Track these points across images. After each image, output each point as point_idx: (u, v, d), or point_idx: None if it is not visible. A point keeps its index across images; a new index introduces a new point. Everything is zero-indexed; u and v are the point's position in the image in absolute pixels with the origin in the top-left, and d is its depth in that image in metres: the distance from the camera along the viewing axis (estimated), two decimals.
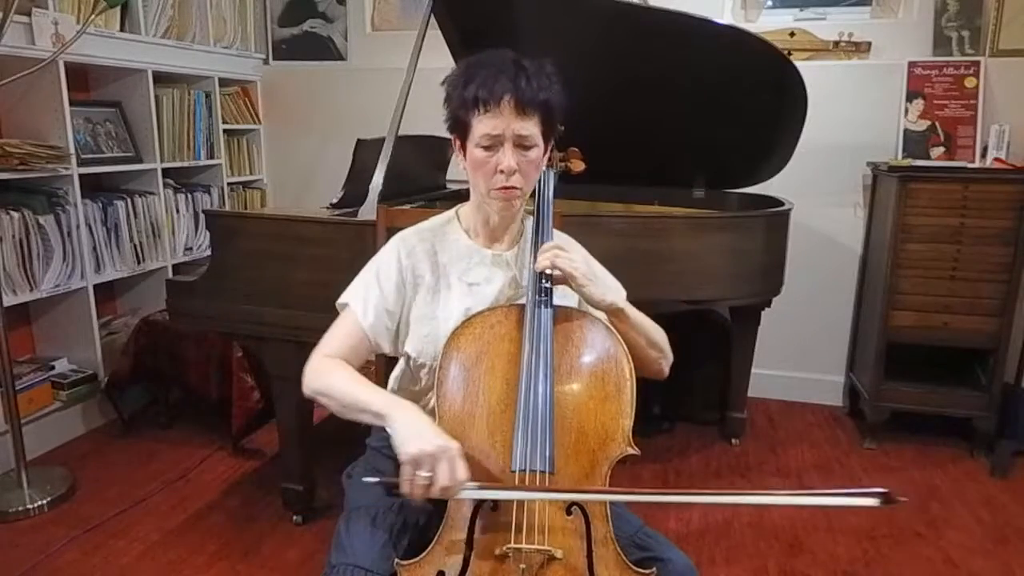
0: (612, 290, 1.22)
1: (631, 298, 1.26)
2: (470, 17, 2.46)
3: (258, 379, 2.55)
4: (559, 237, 1.31)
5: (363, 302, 1.25)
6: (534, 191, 1.30)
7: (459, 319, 1.22)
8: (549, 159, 1.32)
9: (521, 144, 1.16)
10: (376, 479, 1.03)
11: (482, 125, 1.15)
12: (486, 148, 1.16)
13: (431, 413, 1.23)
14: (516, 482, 1.05)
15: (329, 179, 3.19)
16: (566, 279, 1.17)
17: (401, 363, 1.33)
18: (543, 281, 1.18)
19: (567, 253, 1.18)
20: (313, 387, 1.17)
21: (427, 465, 1.00)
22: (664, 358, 1.29)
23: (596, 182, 1.80)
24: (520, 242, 1.31)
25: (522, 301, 1.23)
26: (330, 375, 1.17)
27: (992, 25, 2.79)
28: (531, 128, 1.16)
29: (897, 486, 2.52)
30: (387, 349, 1.28)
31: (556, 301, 1.19)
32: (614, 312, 1.21)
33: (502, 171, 1.16)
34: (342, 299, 1.27)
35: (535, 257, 1.21)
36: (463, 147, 1.21)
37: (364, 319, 1.23)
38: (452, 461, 1.01)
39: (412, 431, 1.03)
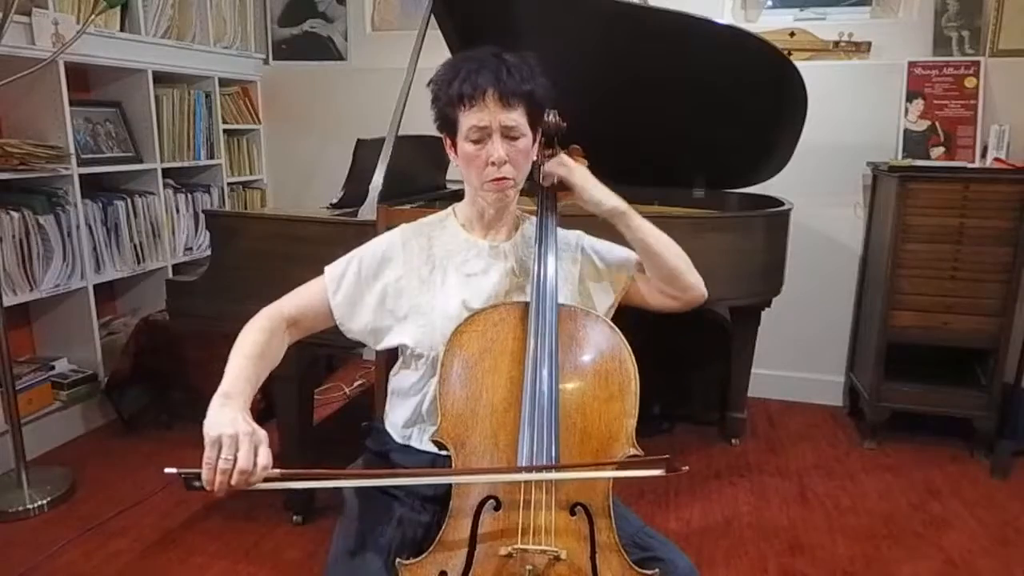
0: (614, 195, 1.26)
1: None
2: (470, 17, 2.46)
3: None
4: (563, 235, 1.31)
5: (337, 281, 1.28)
6: (534, 188, 1.30)
7: (457, 309, 1.23)
8: (552, 156, 1.32)
9: (509, 135, 1.18)
10: (175, 470, 0.97)
11: (468, 119, 1.17)
12: (475, 142, 1.18)
13: (431, 403, 1.24)
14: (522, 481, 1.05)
15: (329, 179, 3.19)
16: (567, 179, 1.26)
17: (401, 356, 1.34)
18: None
19: (567, 160, 1.27)
20: (241, 331, 1.20)
21: (229, 447, 0.96)
22: (694, 273, 1.32)
23: None
24: (516, 234, 1.32)
25: (523, 297, 1.24)
26: (244, 337, 1.18)
27: (992, 25, 2.79)
28: (517, 118, 1.17)
29: (897, 486, 2.52)
30: (360, 337, 1.30)
31: (560, 300, 1.19)
32: (618, 217, 1.26)
33: (493, 163, 1.18)
34: (327, 268, 1.30)
35: (539, 255, 1.22)
36: (454, 144, 1.23)
37: (333, 297, 1.27)
38: (255, 445, 0.97)
39: (222, 418, 1.00)
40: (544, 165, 1.28)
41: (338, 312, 1.28)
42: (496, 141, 1.17)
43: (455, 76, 1.17)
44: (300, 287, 1.31)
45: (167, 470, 0.97)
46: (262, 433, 1.00)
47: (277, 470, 0.99)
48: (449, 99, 1.18)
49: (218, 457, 0.96)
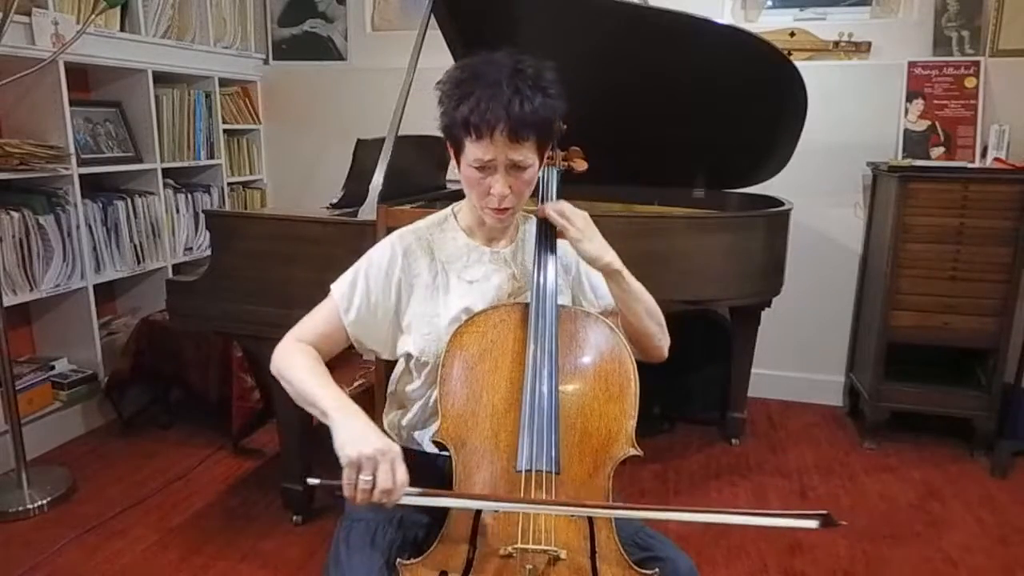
0: (610, 252, 1.22)
1: None
2: (470, 17, 2.46)
3: (258, 379, 2.55)
4: (562, 243, 1.30)
5: (347, 299, 1.24)
6: (537, 190, 1.30)
7: (459, 316, 1.22)
8: (551, 158, 1.32)
9: (515, 166, 1.14)
10: (318, 481, 1.01)
11: (474, 149, 1.12)
12: (479, 168, 1.14)
13: (433, 409, 1.23)
14: (522, 483, 1.05)
15: (329, 179, 3.19)
16: (564, 233, 1.21)
17: (401, 362, 1.33)
18: (546, 236, 1.23)
19: (569, 210, 1.21)
20: (277, 368, 1.18)
21: (367, 468, 0.98)
22: (663, 335, 1.29)
23: (596, 182, 1.80)
24: (517, 239, 1.31)
25: (523, 299, 1.23)
26: (293, 361, 1.17)
27: (992, 25, 2.79)
28: (525, 153, 1.13)
29: (897, 486, 2.52)
30: (377, 349, 1.28)
31: (559, 301, 1.19)
32: (610, 275, 1.22)
33: (493, 194, 1.16)
34: (333, 286, 1.27)
35: (539, 258, 1.22)
36: (456, 157, 1.19)
37: (346, 316, 1.23)
38: (392, 463, 0.99)
39: (353, 434, 1.02)
40: (544, 206, 1.24)
41: (352, 331, 1.25)
42: (500, 176, 1.13)
43: (464, 98, 1.10)
44: (311, 314, 1.26)
45: (311, 481, 1.02)
46: (397, 449, 1.01)
47: (416, 488, 1.01)
48: (454, 121, 1.12)
49: (358, 477, 0.98)
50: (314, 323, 1.25)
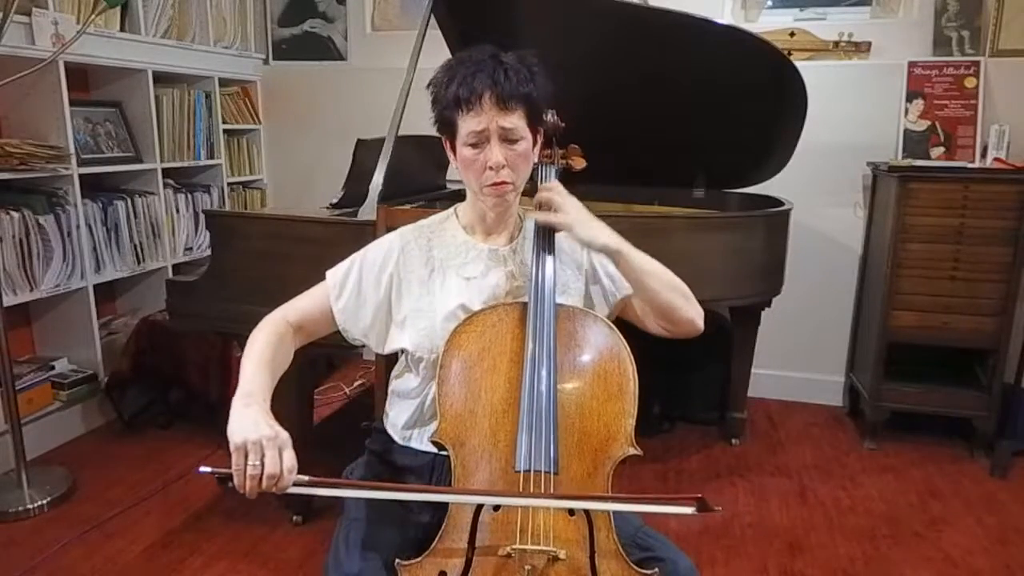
0: (606, 233, 1.22)
1: None
2: (470, 17, 2.46)
3: None
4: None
5: (339, 286, 1.28)
6: (536, 188, 1.30)
7: (455, 312, 1.22)
8: (549, 156, 1.32)
9: (507, 138, 1.17)
10: (209, 470, 1.00)
11: (466, 123, 1.16)
12: (473, 146, 1.17)
13: (431, 407, 1.24)
14: (521, 482, 1.05)
15: (329, 179, 3.19)
16: (556, 225, 1.22)
17: (401, 360, 1.34)
18: (543, 235, 1.23)
19: (558, 200, 1.21)
20: (250, 336, 1.22)
21: (254, 454, 0.98)
22: (691, 306, 1.27)
23: (596, 182, 1.80)
24: (518, 237, 1.31)
25: (522, 298, 1.23)
26: (257, 338, 1.20)
27: (992, 25, 2.79)
28: (515, 121, 1.16)
29: (897, 486, 2.52)
30: (363, 340, 1.30)
31: (558, 299, 1.19)
32: (612, 255, 1.22)
33: (491, 167, 1.17)
34: (329, 272, 1.31)
35: (537, 256, 1.22)
36: (453, 147, 1.22)
37: (335, 303, 1.28)
38: (280, 449, 0.99)
39: (243, 421, 1.02)
40: (535, 207, 1.25)
41: (340, 318, 1.28)
42: (494, 145, 1.16)
43: (452, 79, 1.16)
44: (303, 293, 1.30)
45: (201, 469, 1.00)
46: (285, 435, 1.02)
47: (305, 476, 1.01)
48: (447, 103, 1.17)
49: (246, 463, 0.98)
50: (304, 304, 1.29)
